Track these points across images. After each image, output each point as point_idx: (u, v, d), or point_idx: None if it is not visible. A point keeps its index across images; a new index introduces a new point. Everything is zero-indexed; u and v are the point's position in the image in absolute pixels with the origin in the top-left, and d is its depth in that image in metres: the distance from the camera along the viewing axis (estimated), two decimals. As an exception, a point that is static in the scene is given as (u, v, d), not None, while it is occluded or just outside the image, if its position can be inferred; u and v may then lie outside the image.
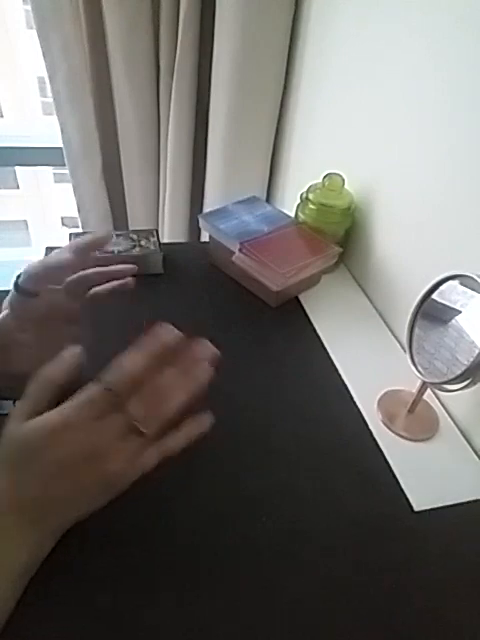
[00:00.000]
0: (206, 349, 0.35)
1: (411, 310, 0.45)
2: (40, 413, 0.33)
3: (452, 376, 0.40)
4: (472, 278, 0.39)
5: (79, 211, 1.16)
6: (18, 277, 0.41)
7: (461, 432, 0.49)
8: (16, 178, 6.04)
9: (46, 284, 0.42)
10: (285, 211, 0.72)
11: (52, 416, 0.32)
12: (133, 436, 0.32)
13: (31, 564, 0.32)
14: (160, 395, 0.33)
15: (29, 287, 0.41)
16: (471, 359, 0.39)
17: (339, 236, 0.68)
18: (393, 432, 0.47)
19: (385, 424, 0.48)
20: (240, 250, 0.62)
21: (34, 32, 0.90)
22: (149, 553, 0.36)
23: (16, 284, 0.41)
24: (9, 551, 0.31)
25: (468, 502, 0.42)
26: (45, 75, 0.95)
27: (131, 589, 0.34)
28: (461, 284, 0.41)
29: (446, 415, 0.50)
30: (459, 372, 0.39)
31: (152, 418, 0.33)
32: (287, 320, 0.61)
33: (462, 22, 0.48)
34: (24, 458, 0.32)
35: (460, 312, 0.42)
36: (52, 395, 0.34)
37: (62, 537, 0.33)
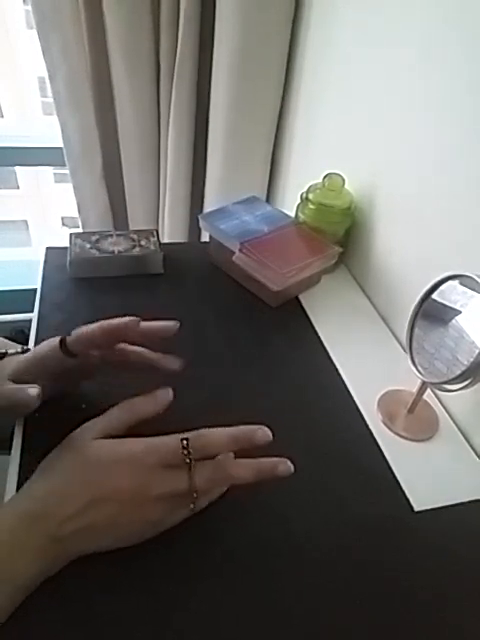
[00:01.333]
0: (284, 467, 0.36)
1: (411, 310, 0.45)
2: (112, 437, 0.34)
3: (452, 376, 0.40)
4: (472, 278, 0.39)
5: (79, 211, 1.16)
6: (62, 338, 0.40)
7: (461, 432, 0.49)
8: (16, 178, 6.03)
9: (91, 348, 0.41)
10: (285, 211, 0.72)
11: (125, 445, 0.34)
12: (180, 498, 0.33)
13: (37, 581, 0.32)
14: (225, 479, 0.35)
15: (74, 349, 0.40)
16: (471, 359, 0.39)
17: (339, 236, 0.68)
18: (393, 432, 0.47)
19: (385, 424, 0.48)
20: (240, 250, 0.62)
21: (34, 32, 0.90)
22: (147, 553, 0.36)
23: (62, 342, 0.40)
24: (21, 561, 0.31)
25: (468, 502, 0.42)
26: (45, 75, 0.95)
27: (130, 589, 0.34)
28: (461, 284, 0.41)
29: (446, 415, 0.50)
30: (459, 372, 0.40)
31: (206, 494, 0.35)
32: (287, 320, 0.61)
33: (462, 21, 0.48)
34: (80, 474, 0.33)
35: (460, 312, 0.42)
36: (130, 425, 0.35)
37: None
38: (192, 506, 0.34)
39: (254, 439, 0.34)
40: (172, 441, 0.33)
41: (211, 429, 0.34)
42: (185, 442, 0.33)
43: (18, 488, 0.38)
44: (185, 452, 0.33)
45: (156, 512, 0.33)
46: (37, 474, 0.35)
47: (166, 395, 0.37)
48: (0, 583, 0.30)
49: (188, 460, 0.33)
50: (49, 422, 0.44)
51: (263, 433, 0.35)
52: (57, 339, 0.40)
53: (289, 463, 0.35)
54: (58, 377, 0.42)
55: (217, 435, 0.34)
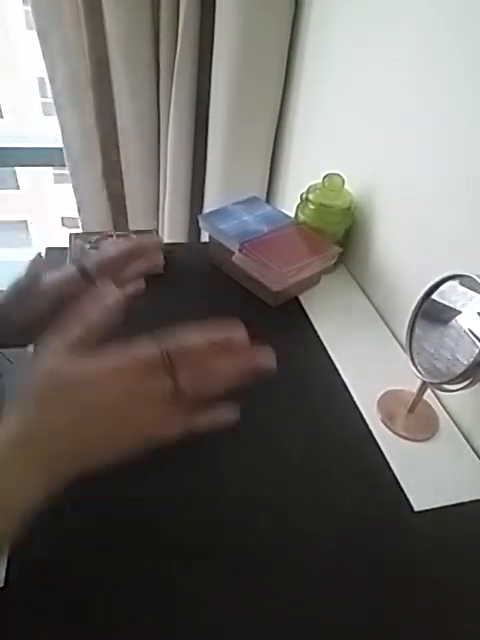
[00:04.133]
0: (266, 357, 0.37)
1: (411, 310, 0.45)
2: (81, 353, 0.33)
3: (452, 376, 0.40)
4: (472, 278, 0.39)
5: (79, 211, 1.17)
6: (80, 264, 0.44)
7: (461, 432, 0.49)
8: (16, 178, 6.04)
9: (108, 271, 0.45)
10: (285, 211, 0.72)
11: (104, 360, 0.33)
12: (169, 402, 0.33)
13: (34, 503, 0.30)
14: (208, 375, 0.35)
15: (93, 272, 0.44)
16: (471, 359, 0.39)
17: (339, 236, 0.68)
18: (393, 432, 0.47)
19: (385, 424, 0.48)
20: (240, 250, 0.62)
21: (34, 32, 0.90)
22: (147, 552, 0.36)
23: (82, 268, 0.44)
24: (11, 488, 0.30)
25: (468, 502, 0.42)
26: (45, 75, 0.95)
27: (130, 587, 0.34)
28: (461, 284, 0.41)
29: (446, 415, 0.50)
30: (459, 372, 0.39)
31: (194, 393, 0.34)
32: (287, 320, 0.61)
33: (462, 21, 0.48)
34: (63, 394, 0.32)
35: (460, 312, 0.42)
36: (95, 338, 0.35)
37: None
38: (182, 403, 0.33)
39: (231, 340, 0.35)
40: (153, 347, 0.33)
41: (188, 334, 0.35)
42: (166, 346, 0.33)
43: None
44: (164, 354, 0.33)
45: (148, 420, 0.33)
46: (15, 407, 0.33)
47: (117, 299, 0.37)
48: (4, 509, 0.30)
49: (168, 361, 0.33)
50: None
51: (239, 335, 0.35)
52: (73, 265, 0.44)
53: (270, 354, 0.36)
54: (72, 302, 0.41)
55: (195, 339, 0.35)
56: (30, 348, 0.43)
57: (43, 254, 0.68)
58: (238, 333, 0.36)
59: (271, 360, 0.36)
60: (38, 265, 0.44)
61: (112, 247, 0.44)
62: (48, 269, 0.45)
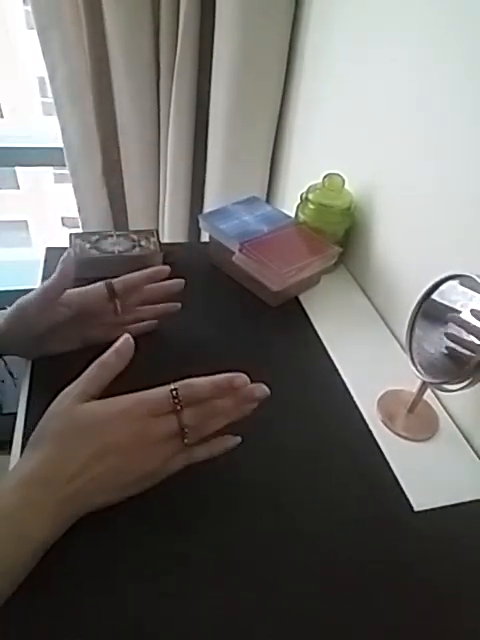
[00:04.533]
0: (260, 391, 0.39)
1: (411, 310, 0.45)
2: (94, 397, 0.36)
3: (452, 376, 0.40)
4: (472, 278, 0.39)
5: (79, 211, 1.16)
6: (108, 282, 0.49)
7: (461, 432, 0.49)
8: (16, 178, 6.03)
9: (132, 292, 0.51)
10: (285, 211, 0.72)
11: (115, 402, 0.36)
12: (174, 440, 0.36)
13: (50, 541, 0.33)
14: (210, 415, 0.38)
15: (119, 291, 0.49)
16: (471, 359, 0.39)
17: (339, 236, 0.68)
18: (393, 432, 0.47)
19: (385, 424, 0.48)
20: (240, 250, 0.62)
21: (34, 32, 0.90)
22: (147, 555, 0.36)
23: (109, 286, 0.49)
24: (33, 524, 0.32)
25: (468, 502, 0.42)
26: (45, 75, 0.95)
27: (130, 588, 0.34)
28: (461, 284, 0.41)
29: (446, 415, 0.50)
30: (459, 372, 0.40)
31: (197, 431, 0.37)
32: (287, 320, 0.61)
33: (462, 21, 0.48)
34: (76, 436, 0.34)
35: (460, 312, 0.42)
36: (107, 382, 0.37)
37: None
38: (186, 441, 0.37)
39: (233, 383, 0.38)
40: (161, 391, 0.36)
41: (195, 379, 0.37)
42: (174, 392, 0.36)
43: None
44: (174, 400, 0.36)
45: (155, 457, 0.36)
46: (30, 448, 0.35)
47: (127, 344, 0.39)
48: (17, 544, 0.31)
49: (178, 407, 0.36)
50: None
51: (241, 379, 0.38)
52: (102, 282, 0.48)
53: (264, 386, 0.39)
54: (90, 319, 0.50)
55: (201, 382, 0.37)
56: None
57: (43, 254, 0.68)
58: (240, 382, 0.38)
59: (264, 391, 0.39)
60: (69, 266, 0.45)
61: (137, 273, 0.50)
62: (74, 272, 0.46)
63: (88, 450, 0.34)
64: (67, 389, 0.37)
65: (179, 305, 0.54)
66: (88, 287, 0.49)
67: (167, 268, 0.52)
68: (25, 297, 0.46)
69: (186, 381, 0.37)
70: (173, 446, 0.37)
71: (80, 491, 0.33)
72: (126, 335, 0.39)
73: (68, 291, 0.47)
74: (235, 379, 0.38)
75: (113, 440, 0.35)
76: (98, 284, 0.49)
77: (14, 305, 0.46)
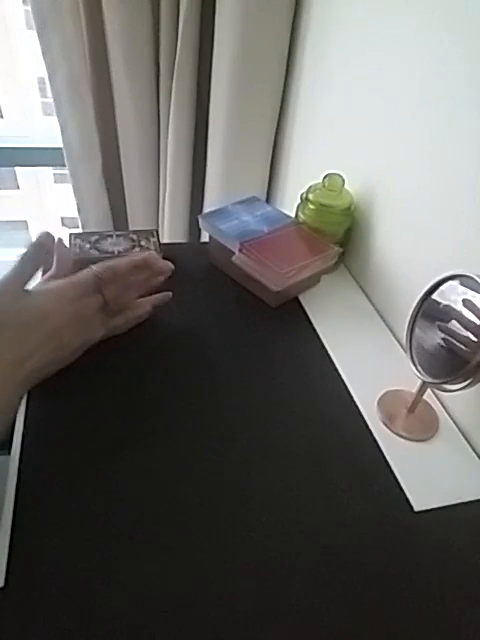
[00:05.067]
0: (165, 265, 0.52)
1: (411, 310, 0.45)
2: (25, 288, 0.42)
3: (452, 376, 0.40)
4: (472, 278, 0.39)
5: (79, 211, 1.16)
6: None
7: (461, 432, 0.49)
8: (16, 178, 6.03)
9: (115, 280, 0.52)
10: (285, 211, 0.72)
11: (52, 291, 0.43)
12: (100, 313, 0.46)
13: (8, 412, 0.40)
14: (126, 288, 0.48)
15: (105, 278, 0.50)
16: (471, 359, 0.39)
17: (339, 236, 0.68)
18: (393, 432, 0.47)
19: (385, 424, 0.48)
20: (240, 250, 0.62)
21: (34, 32, 0.90)
22: (146, 554, 0.36)
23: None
24: None
25: (468, 502, 0.42)
26: (45, 75, 0.95)
27: (130, 589, 0.34)
28: (461, 284, 0.41)
29: (446, 415, 0.50)
30: (459, 372, 0.40)
31: (117, 303, 0.47)
32: (287, 320, 0.61)
33: (462, 22, 0.48)
34: (25, 326, 0.40)
35: (460, 312, 0.42)
36: (34, 274, 0.44)
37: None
38: (108, 310, 0.47)
39: (146, 260, 0.49)
40: (87, 274, 0.45)
41: (117, 259, 0.47)
42: (97, 273, 0.45)
43: (18, 488, 0.38)
44: (99, 278, 0.45)
45: (86, 330, 0.45)
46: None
47: (47, 235, 0.46)
48: None
49: (101, 283, 0.45)
50: (47, 424, 0.44)
51: (152, 256, 0.49)
52: (89, 272, 0.49)
53: (169, 263, 0.52)
54: None
55: (122, 262, 0.47)
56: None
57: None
58: (163, 265, 0.50)
59: (169, 266, 0.52)
60: (65, 258, 0.49)
61: (124, 259, 0.50)
62: (57, 249, 0.49)
63: (35, 336, 0.40)
64: (2, 284, 0.41)
65: (170, 294, 0.55)
66: (75, 276, 0.49)
67: (154, 254, 0.54)
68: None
69: (106, 264, 0.46)
70: (99, 317, 0.46)
71: (32, 370, 0.40)
72: (44, 231, 0.46)
73: (56, 280, 0.47)
74: (148, 256, 0.49)
75: (55, 323, 0.42)
76: (86, 272, 0.48)
77: None
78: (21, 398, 0.42)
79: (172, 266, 0.52)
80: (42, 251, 0.45)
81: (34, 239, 0.45)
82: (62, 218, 6.28)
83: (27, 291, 0.42)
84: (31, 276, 0.43)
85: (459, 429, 0.49)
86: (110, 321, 0.48)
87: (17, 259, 0.43)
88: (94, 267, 0.45)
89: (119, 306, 0.48)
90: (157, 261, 0.50)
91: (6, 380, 0.39)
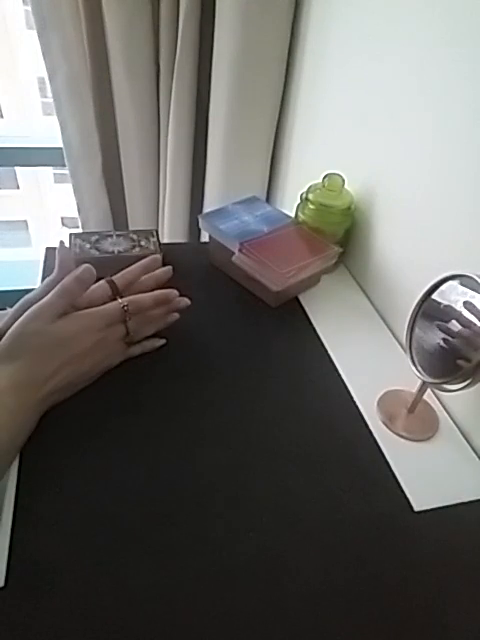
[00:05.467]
0: (183, 303, 0.54)
1: (411, 310, 0.45)
2: (58, 314, 0.44)
3: (452, 376, 0.40)
4: (472, 278, 0.39)
5: (79, 211, 1.17)
6: (110, 279, 0.52)
7: (461, 432, 0.49)
8: (16, 178, 6.04)
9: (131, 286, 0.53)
10: (285, 211, 0.72)
11: (80, 320, 0.45)
12: (121, 342, 0.49)
13: (25, 438, 0.41)
14: (147, 322, 0.51)
15: (121, 287, 0.51)
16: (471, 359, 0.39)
17: (339, 236, 0.68)
18: (393, 432, 0.47)
19: (385, 424, 0.48)
20: (240, 250, 0.62)
21: (34, 32, 0.90)
22: (147, 553, 0.36)
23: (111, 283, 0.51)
24: (16, 424, 0.39)
25: (468, 502, 0.42)
26: (45, 75, 0.95)
27: (130, 589, 0.34)
28: (461, 284, 0.41)
29: (446, 415, 0.50)
30: (459, 372, 0.40)
31: (137, 334, 0.50)
32: (287, 320, 0.61)
33: (463, 22, 0.48)
34: (50, 349, 0.42)
35: (460, 312, 0.42)
36: (68, 306, 0.45)
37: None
38: (127, 341, 0.49)
39: (168, 297, 0.52)
40: (115, 306, 0.47)
41: (139, 295, 0.49)
42: (125, 307, 0.47)
43: (18, 489, 0.38)
44: (125, 312, 0.47)
45: (107, 358, 0.48)
46: (6, 360, 0.41)
47: (88, 271, 0.46)
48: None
49: (127, 318, 0.47)
50: (47, 424, 0.44)
51: (173, 293, 0.52)
52: (103, 280, 0.50)
53: (186, 300, 0.54)
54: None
55: (146, 298, 0.49)
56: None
57: (43, 254, 0.68)
58: (172, 293, 0.52)
59: (186, 302, 0.54)
60: (66, 258, 0.49)
61: (133, 266, 0.53)
62: (59, 253, 0.49)
63: (57, 360, 0.42)
64: (36, 310, 0.43)
65: (188, 301, 0.55)
66: (92, 286, 0.50)
67: (158, 257, 0.55)
68: (28, 296, 0.47)
69: (132, 298, 0.48)
70: (120, 346, 0.49)
71: (50, 392, 0.42)
72: (85, 265, 0.46)
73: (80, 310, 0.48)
74: (169, 293, 0.52)
75: (80, 350, 0.44)
76: (100, 282, 0.50)
77: (17, 305, 0.46)
78: (37, 419, 0.42)
79: (188, 302, 0.54)
80: (82, 287, 0.46)
81: (79, 271, 0.46)
82: (62, 218, 6.29)
83: (53, 320, 0.43)
84: (64, 308, 0.44)
85: (459, 429, 0.49)
86: (128, 350, 0.50)
87: (57, 288, 0.44)
88: (122, 300, 0.47)
89: (139, 337, 0.51)
90: (177, 298, 0.53)
91: (25, 401, 0.40)
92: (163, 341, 0.53)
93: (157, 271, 0.55)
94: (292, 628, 0.33)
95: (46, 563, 0.34)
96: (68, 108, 1.00)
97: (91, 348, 0.44)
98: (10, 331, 0.41)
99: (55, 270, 0.48)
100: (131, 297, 0.48)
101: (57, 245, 0.50)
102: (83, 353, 0.44)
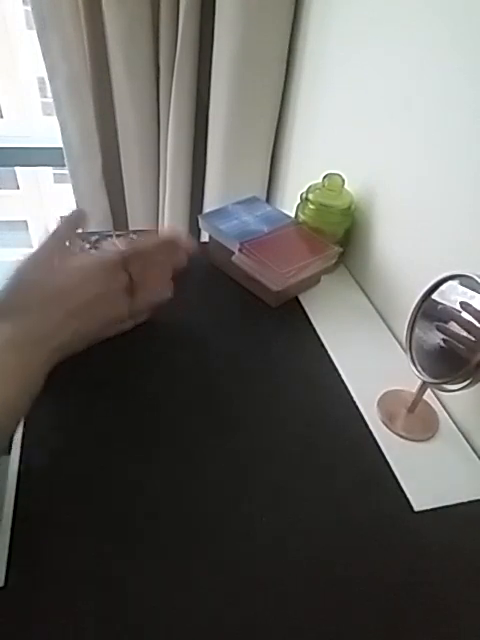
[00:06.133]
0: (188, 243, 0.51)
1: (411, 310, 0.45)
2: (56, 261, 0.42)
3: (452, 376, 0.40)
4: (472, 278, 0.39)
5: (79, 211, 1.16)
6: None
7: (461, 432, 0.49)
8: (16, 178, 6.04)
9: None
10: (285, 211, 0.72)
11: (81, 269, 0.43)
12: (125, 292, 0.45)
13: (31, 393, 0.38)
14: (150, 267, 0.48)
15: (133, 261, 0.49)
16: (471, 359, 0.39)
17: (339, 236, 0.68)
18: (393, 432, 0.47)
19: (385, 424, 0.48)
20: (240, 250, 0.62)
21: (34, 32, 0.90)
22: (146, 553, 0.36)
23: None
24: (8, 381, 0.36)
25: (468, 502, 0.42)
26: (45, 75, 0.95)
27: (130, 589, 0.34)
28: (461, 284, 0.41)
29: (446, 415, 0.50)
30: (459, 372, 0.40)
31: (141, 279, 0.46)
32: (287, 320, 0.61)
33: (463, 23, 0.48)
34: (53, 300, 0.40)
35: (460, 312, 0.42)
36: (62, 247, 0.44)
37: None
38: (130, 280, 0.46)
39: (170, 238, 0.49)
40: (116, 255, 0.45)
41: (139, 241, 0.48)
42: (123, 252, 0.45)
43: (18, 488, 0.38)
44: (124, 259, 0.44)
45: (113, 308, 0.46)
46: (11, 313, 0.39)
47: (79, 213, 0.48)
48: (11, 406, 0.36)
49: (126, 263, 0.45)
50: (47, 424, 0.44)
51: (188, 241, 0.50)
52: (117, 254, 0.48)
53: (191, 242, 0.51)
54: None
55: (148, 241, 0.47)
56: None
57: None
58: (177, 235, 0.49)
59: (192, 244, 0.51)
60: (75, 221, 0.49)
61: (149, 238, 0.50)
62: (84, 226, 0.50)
63: (59, 314, 0.40)
64: (31, 259, 0.41)
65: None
66: (102, 254, 0.50)
67: (175, 240, 0.52)
68: (22, 263, 0.43)
69: (133, 246, 0.46)
70: (123, 296, 0.46)
71: (56, 348, 0.40)
72: (76, 209, 0.47)
73: (81, 257, 0.48)
74: (172, 239, 0.49)
75: (83, 300, 0.42)
76: (109, 251, 0.49)
77: (13, 273, 0.42)
78: (45, 376, 0.40)
79: (195, 244, 0.51)
80: (71, 227, 0.46)
81: (67, 214, 0.46)
82: (62, 218, 6.28)
83: (52, 267, 0.42)
84: (57, 251, 0.43)
85: (459, 429, 0.49)
86: (134, 301, 0.47)
87: (48, 235, 0.44)
88: (121, 247, 0.46)
89: (143, 282, 0.47)
90: (182, 239, 0.50)
91: (32, 358, 0.38)
92: (169, 294, 0.51)
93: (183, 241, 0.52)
94: (292, 628, 0.33)
95: (46, 563, 0.34)
96: (68, 108, 1.00)
97: (92, 299, 0.43)
98: (7, 284, 0.40)
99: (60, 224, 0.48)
100: (131, 247, 0.46)
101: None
102: (87, 303, 0.42)
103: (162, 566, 0.35)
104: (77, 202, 1.15)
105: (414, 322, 0.45)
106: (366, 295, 0.68)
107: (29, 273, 0.41)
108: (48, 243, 0.43)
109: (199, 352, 0.55)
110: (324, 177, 0.65)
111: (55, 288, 0.41)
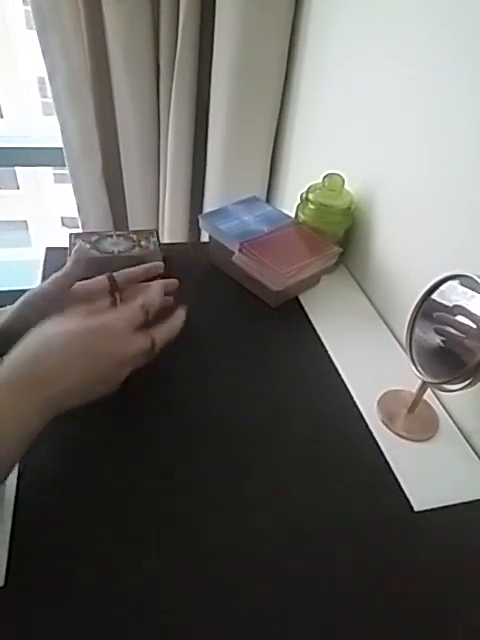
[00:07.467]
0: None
1: (411, 310, 0.45)
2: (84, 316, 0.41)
3: (452, 376, 0.40)
4: (472, 278, 0.39)
5: (79, 211, 1.16)
6: (110, 275, 0.50)
7: (461, 432, 0.49)
8: (16, 178, 6.03)
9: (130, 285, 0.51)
10: (285, 211, 0.72)
11: (102, 321, 0.41)
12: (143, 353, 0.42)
13: (32, 433, 0.35)
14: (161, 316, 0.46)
15: (121, 284, 0.50)
16: (471, 359, 0.39)
17: (339, 236, 0.68)
18: (393, 432, 0.47)
19: (385, 424, 0.48)
20: (240, 250, 0.62)
21: (34, 32, 0.90)
22: (146, 554, 0.36)
23: (111, 279, 0.49)
24: (22, 415, 0.35)
25: (468, 502, 0.42)
26: (45, 75, 0.95)
27: (130, 589, 0.34)
28: (461, 284, 0.41)
29: (446, 415, 0.50)
30: (459, 372, 0.40)
31: (161, 342, 0.44)
32: (287, 320, 0.61)
33: (463, 22, 0.48)
34: (73, 349, 0.38)
35: (460, 312, 0.42)
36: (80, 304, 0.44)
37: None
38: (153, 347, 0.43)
39: (169, 286, 0.50)
40: (135, 306, 0.43)
41: (148, 291, 0.47)
42: (143, 307, 0.43)
43: (18, 489, 0.38)
44: (146, 311, 0.43)
45: (127, 369, 0.42)
46: (23, 353, 0.37)
47: (82, 258, 0.46)
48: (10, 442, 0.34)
49: (146, 317, 0.43)
50: (47, 425, 0.44)
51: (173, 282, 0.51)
52: (104, 276, 0.49)
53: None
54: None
55: (153, 291, 0.47)
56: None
57: (43, 254, 0.68)
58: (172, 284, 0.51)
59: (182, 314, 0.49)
60: (82, 257, 0.48)
61: (136, 268, 0.51)
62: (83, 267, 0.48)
63: (89, 359, 0.39)
64: (57, 319, 0.40)
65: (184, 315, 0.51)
66: (91, 280, 0.49)
67: (161, 264, 0.54)
68: (32, 291, 0.46)
69: (146, 297, 0.45)
70: (142, 358, 0.43)
71: (58, 395, 0.37)
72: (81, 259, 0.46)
73: (75, 289, 0.48)
74: (170, 282, 0.50)
75: (100, 353, 0.39)
76: (100, 277, 0.49)
77: (20, 301, 0.45)
78: (41, 423, 0.37)
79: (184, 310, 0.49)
80: (80, 270, 0.47)
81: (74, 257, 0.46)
82: (62, 218, 6.28)
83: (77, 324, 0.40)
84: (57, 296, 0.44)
85: (459, 429, 0.49)
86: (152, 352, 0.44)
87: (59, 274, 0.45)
88: (140, 300, 0.44)
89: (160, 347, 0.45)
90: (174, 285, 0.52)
91: (26, 402, 0.36)
92: (183, 317, 0.48)
93: (168, 280, 0.52)
94: (292, 628, 0.33)
95: (46, 563, 0.34)
96: (68, 108, 1.00)
97: (112, 353, 0.40)
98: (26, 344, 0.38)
99: (67, 264, 0.47)
100: (146, 299, 0.44)
101: (76, 246, 0.51)
102: (105, 357, 0.40)
103: (161, 565, 0.35)
104: (77, 202, 1.15)
105: (414, 322, 0.45)
106: (366, 295, 0.68)
107: (47, 333, 0.39)
108: (59, 280, 0.45)
109: (199, 352, 0.55)
110: (324, 177, 0.65)
111: (85, 335, 0.39)
